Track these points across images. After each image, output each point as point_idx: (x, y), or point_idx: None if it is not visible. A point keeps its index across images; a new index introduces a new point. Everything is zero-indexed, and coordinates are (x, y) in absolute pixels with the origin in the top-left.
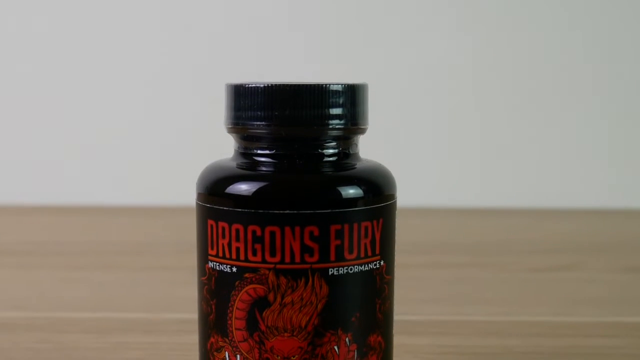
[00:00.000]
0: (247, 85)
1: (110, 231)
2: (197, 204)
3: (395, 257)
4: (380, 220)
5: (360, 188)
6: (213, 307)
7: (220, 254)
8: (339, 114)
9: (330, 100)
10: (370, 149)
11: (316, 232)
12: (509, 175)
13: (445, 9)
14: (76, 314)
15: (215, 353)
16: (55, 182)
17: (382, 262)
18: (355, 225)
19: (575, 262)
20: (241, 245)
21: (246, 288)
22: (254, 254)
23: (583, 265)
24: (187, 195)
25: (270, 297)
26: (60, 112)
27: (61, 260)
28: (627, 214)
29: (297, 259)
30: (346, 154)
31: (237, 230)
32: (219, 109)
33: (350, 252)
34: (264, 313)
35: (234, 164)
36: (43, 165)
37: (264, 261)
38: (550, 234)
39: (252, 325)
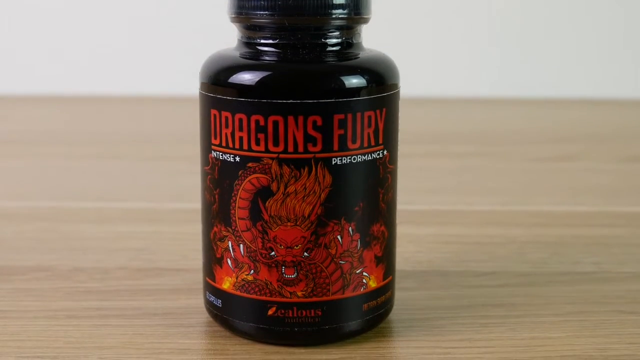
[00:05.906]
0: None
1: (113, 121)
2: (200, 93)
3: (399, 147)
4: (384, 110)
5: (364, 77)
6: (216, 196)
7: (224, 144)
8: (342, 3)
9: None
10: (373, 38)
11: (319, 122)
12: (513, 64)
13: None
14: (78, 203)
15: (218, 242)
16: (58, 71)
17: (385, 152)
18: (359, 115)
19: (578, 151)
20: (244, 135)
21: (249, 177)
22: (257, 143)
23: (586, 154)
24: (190, 85)
25: (274, 186)
26: (69, 4)
27: (63, 150)
28: (631, 104)
29: (301, 149)
30: (349, 43)
31: (241, 120)
32: None
33: (354, 141)
34: (267, 202)
35: (237, 53)
36: (48, 55)
37: (267, 151)
38: (552, 124)
39: (255, 214)
